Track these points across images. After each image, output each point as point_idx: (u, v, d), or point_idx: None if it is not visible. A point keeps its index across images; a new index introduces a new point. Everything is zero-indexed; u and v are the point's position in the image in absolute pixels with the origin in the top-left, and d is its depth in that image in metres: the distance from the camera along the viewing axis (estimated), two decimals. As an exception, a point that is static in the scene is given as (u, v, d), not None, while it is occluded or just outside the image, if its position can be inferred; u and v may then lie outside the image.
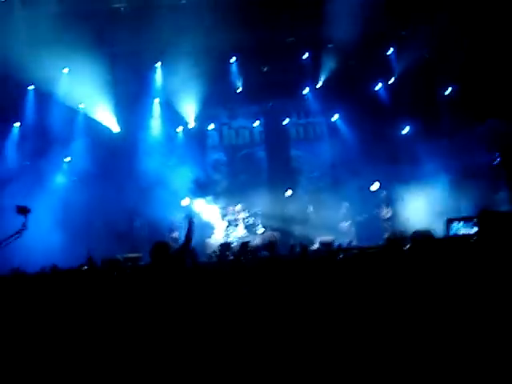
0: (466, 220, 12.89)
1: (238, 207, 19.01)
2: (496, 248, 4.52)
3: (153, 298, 6.25)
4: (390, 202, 18.63)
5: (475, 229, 12.32)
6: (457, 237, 12.60)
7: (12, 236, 7.06)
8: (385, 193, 18.78)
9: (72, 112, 19.37)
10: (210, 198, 19.88)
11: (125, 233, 18.56)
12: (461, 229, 12.89)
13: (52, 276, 8.70)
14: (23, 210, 7.02)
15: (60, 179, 19.20)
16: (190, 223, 7.30)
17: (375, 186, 18.85)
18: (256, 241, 16.24)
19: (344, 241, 17.24)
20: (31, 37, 16.45)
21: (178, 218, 18.23)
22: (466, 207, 15.28)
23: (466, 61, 16.59)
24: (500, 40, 15.66)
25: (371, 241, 16.22)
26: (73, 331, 5.95)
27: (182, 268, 7.05)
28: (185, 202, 19.21)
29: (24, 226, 6.86)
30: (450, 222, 13.25)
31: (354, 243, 17.53)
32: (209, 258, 14.17)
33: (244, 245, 10.47)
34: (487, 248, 4.56)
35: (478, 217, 4.87)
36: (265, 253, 10.99)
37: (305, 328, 4.66)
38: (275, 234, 17.72)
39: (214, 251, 10.49)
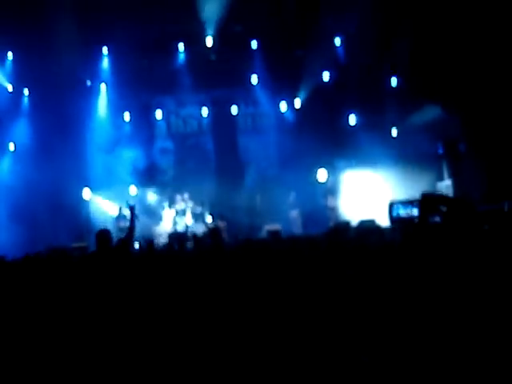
0: (407, 203, 13.31)
1: (186, 196, 18.97)
2: (436, 228, 4.68)
3: (100, 287, 6.23)
4: (335, 191, 18.89)
5: (415, 210, 12.73)
6: (399, 219, 13.00)
7: None
8: (331, 182, 19.02)
9: (16, 97, 19.01)
10: (157, 186, 19.90)
11: (70, 221, 18.29)
12: (402, 211, 13.29)
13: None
14: None
15: (4, 165, 18.81)
16: (132, 211, 7.29)
17: (322, 175, 19.03)
18: (203, 230, 16.23)
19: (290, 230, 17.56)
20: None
21: (124, 207, 18.12)
22: (411, 196, 15.59)
23: (412, 52, 16.89)
24: (446, 30, 15.96)
25: (317, 230, 16.44)
26: (18, 325, 5.85)
27: (127, 256, 7.05)
28: (131, 190, 19.11)
29: None
30: (391, 205, 13.70)
31: (300, 231, 17.77)
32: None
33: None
34: (428, 229, 4.70)
35: (420, 200, 5.05)
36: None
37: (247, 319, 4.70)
38: (222, 222, 17.77)
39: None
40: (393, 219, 13.02)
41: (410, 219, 12.48)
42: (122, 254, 6.92)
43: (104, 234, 6.81)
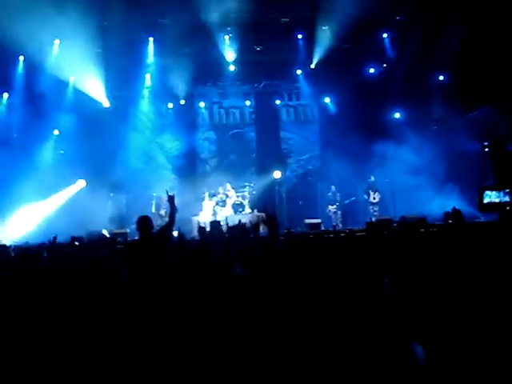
0: (499, 189, 12.99)
1: (226, 187, 18.96)
2: None
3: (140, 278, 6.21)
4: (377, 186, 18.65)
5: (507, 197, 12.35)
6: (492, 205, 12.64)
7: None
8: (373, 177, 18.80)
9: (62, 84, 19.16)
10: (198, 176, 19.95)
11: (112, 208, 18.47)
12: (494, 197, 12.97)
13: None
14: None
15: (48, 152, 19.01)
16: (172, 201, 7.25)
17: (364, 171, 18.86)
18: (242, 221, 16.19)
19: (330, 224, 17.42)
20: (22, 7, 16.21)
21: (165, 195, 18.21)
22: (454, 194, 15.37)
23: (460, 48, 16.55)
24: (496, 28, 15.61)
25: (357, 224, 16.31)
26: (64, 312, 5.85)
27: (167, 245, 7.03)
28: (172, 179, 19.20)
29: None
30: (483, 190, 13.28)
31: (340, 227, 17.61)
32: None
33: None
34: None
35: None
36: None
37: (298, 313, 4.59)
38: (261, 215, 17.67)
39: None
40: (484, 205, 12.70)
41: (502, 205, 12.13)
42: (163, 243, 6.91)
43: (145, 220, 6.84)
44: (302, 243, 7.57)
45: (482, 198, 13.10)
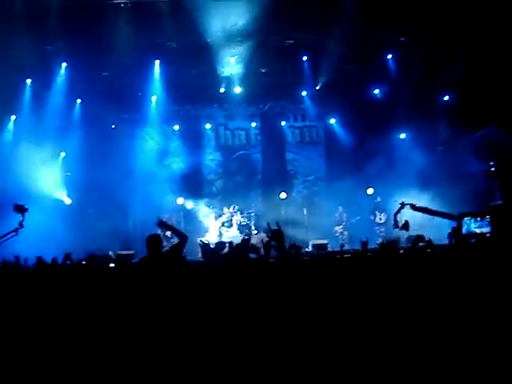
0: (478, 216, 12.38)
1: (232, 208, 18.97)
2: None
3: (149, 296, 6.16)
4: (384, 207, 18.62)
5: (487, 228, 11.72)
6: (471, 235, 12.08)
7: (8, 234, 6.92)
8: (379, 198, 18.80)
9: (69, 107, 19.27)
10: (204, 198, 19.97)
11: (118, 230, 18.42)
12: (473, 227, 12.45)
13: (39, 269, 8.57)
14: (20, 209, 6.87)
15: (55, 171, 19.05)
16: (162, 226, 7.23)
17: (370, 191, 18.89)
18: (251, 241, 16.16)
19: (336, 244, 17.38)
20: (31, 30, 16.31)
21: (172, 217, 18.27)
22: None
23: (465, 67, 16.58)
24: (500, 47, 15.66)
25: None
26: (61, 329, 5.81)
27: (176, 264, 7.01)
28: (179, 200, 19.21)
29: (21, 225, 6.71)
30: (462, 217, 12.67)
31: (347, 247, 17.54)
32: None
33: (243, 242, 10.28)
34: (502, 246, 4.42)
35: (491, 213, 4.78)
36: (253, 255, 10.92)
37: (300, 330, 4.58)
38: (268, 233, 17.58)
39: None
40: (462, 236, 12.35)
41: (482, 235, 11.56)
42: (173, 260, 6.89)
43: (155, 239, 6.82)
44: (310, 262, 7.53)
45: (460, 227, 12.51)
